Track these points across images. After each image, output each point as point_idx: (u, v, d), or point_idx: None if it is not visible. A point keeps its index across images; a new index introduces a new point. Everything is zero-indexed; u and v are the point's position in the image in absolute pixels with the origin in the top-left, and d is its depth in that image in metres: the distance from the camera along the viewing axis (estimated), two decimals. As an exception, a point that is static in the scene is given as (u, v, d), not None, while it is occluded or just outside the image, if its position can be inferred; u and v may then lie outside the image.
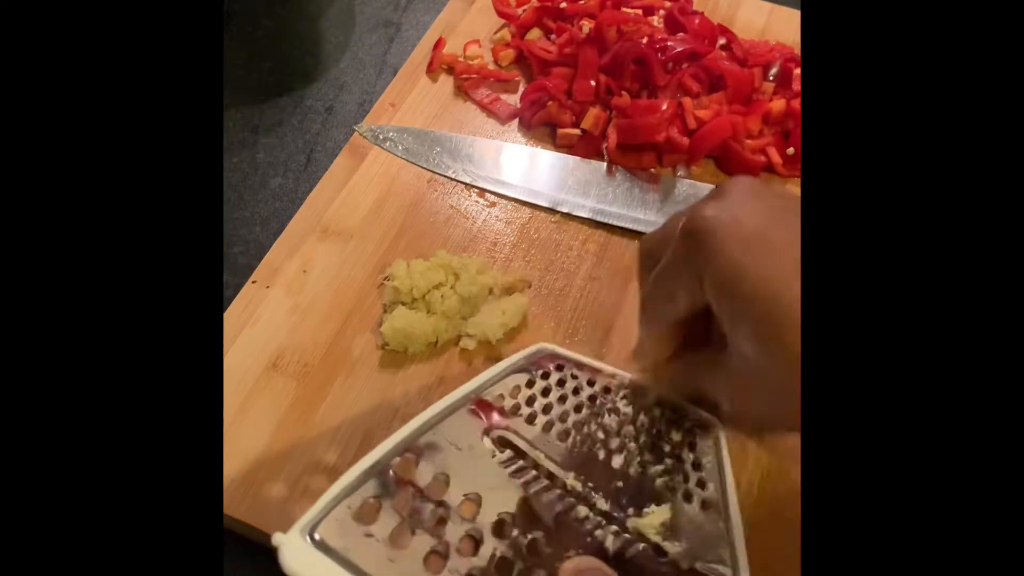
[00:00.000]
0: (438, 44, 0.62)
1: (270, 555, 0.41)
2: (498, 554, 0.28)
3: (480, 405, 0.33)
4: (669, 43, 0.58)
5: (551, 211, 0.53)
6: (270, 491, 0.40)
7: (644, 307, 0.33)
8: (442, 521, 0.28)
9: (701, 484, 0.34)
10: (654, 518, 0.31)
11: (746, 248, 0.27)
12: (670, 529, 0.31)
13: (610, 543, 0.30)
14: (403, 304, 0.46)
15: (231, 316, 0.47)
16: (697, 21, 0.61)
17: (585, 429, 0.34)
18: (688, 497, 0.33)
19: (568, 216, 0.53)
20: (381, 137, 0.56)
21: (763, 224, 0.27)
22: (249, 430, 0.42)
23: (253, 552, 0.41)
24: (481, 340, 0.45)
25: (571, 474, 0.32)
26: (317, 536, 0.26)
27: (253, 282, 0.49)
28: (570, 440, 0.34)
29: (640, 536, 0.31)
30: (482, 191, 0.54)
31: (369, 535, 0.27)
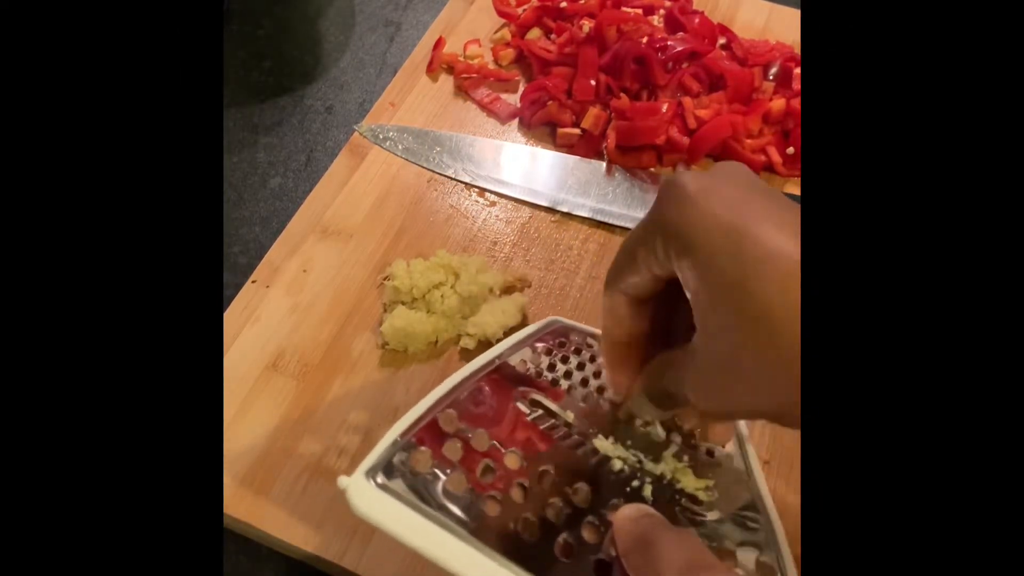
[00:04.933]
0: (438, 44, 0.62)
1: (270, 555, 0.41)
2: (548, 501, 0.29)
3: (506, 369, 0.35)
4: (669, 42, 0.58)
5: (551, 210, 0.53)
6: (270, 491, 0.40)
7: (607, 278, 0.31)
8: (489, 470, 0.30)
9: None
10: (685, 471, 0.32)
11: (724, 206, 0.24)
12: (701, 481, 0.32)
13: (648, 492, 0.31)
14: (403, 304, 0.46)
15: (231, 316, 0.47)
16: (697, 21, 0.61)
17: (607, 392, 0.35)
18: (711, 452, 0.34)
19: (568, 216, 0.53)
20: (381, 137, 0.56)
21: (744, 192, 0.25)
22: (249, 430, 0.42)
23: (253, 552, 0.41)
24: (481, 340, 0.45)
25: (600, 432, 0.33)
26: (379, 480, 0.27)
27: (253, 282, 0.49)
28: (594, 402, 0.35)
29: (674, 488, 0.32)
30: (482, 191, 0.54)
31: (425, 480, 0.28)
